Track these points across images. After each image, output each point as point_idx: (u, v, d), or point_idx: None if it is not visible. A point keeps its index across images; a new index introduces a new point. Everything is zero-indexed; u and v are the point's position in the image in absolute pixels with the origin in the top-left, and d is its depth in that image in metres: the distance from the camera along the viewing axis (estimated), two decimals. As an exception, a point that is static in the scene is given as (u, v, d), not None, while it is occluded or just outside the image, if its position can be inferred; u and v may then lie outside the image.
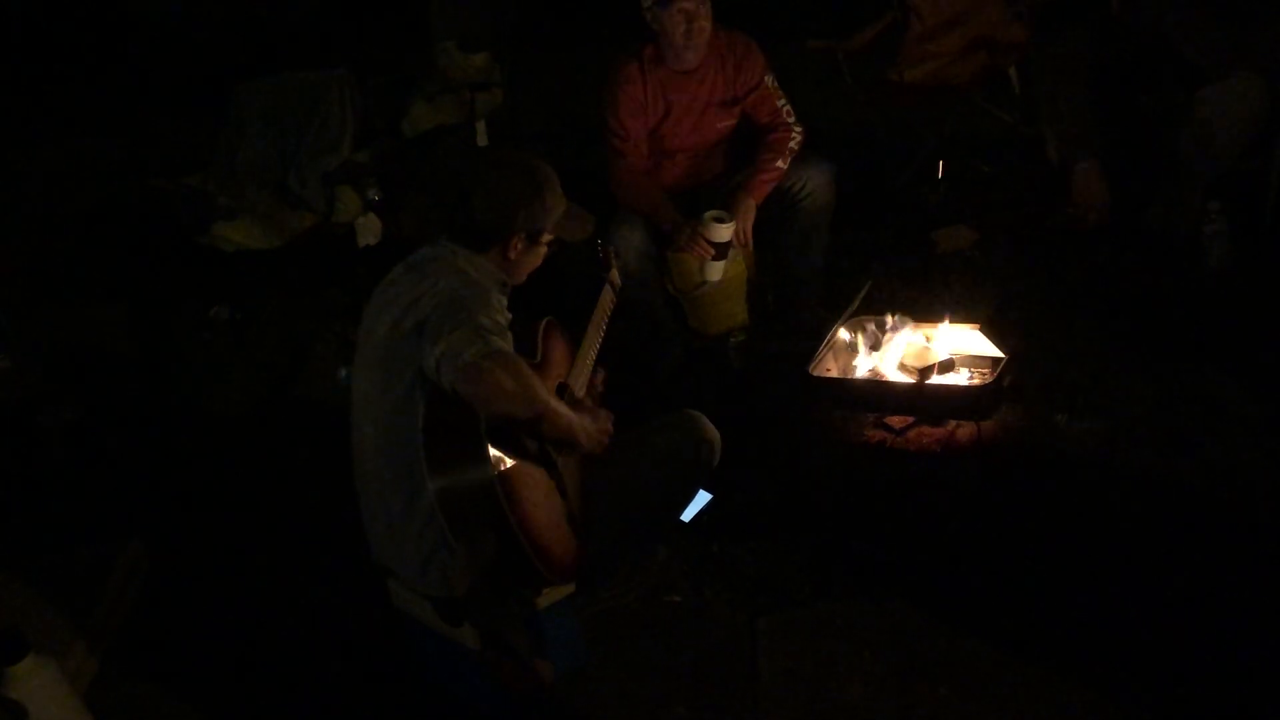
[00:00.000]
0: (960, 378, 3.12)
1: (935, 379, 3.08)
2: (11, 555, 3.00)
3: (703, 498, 2.85)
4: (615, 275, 2.78)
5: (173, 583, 2.96)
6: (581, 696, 2.40)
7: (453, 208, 2.28)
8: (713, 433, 2.52)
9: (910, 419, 3.07)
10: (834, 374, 3.19)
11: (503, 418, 2.06)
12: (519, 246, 2.30)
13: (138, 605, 2.89)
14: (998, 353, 3.11)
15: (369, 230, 4.40)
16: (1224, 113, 3.19)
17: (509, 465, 2.10)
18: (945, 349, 3.15)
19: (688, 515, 2.81)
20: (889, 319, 3.20)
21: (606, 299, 2.69)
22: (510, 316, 2.28)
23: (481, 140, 5.11)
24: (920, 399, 3.07)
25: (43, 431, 3.66)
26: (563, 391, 2.36)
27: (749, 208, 3.28)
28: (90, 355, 4.17)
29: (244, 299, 4.26)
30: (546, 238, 2.35)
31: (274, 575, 2.91)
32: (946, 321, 3.20)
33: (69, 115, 5.92)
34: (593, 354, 2.54)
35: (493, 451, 2.07)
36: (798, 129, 3.37)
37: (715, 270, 3.32)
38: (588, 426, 2.25)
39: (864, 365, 3.19)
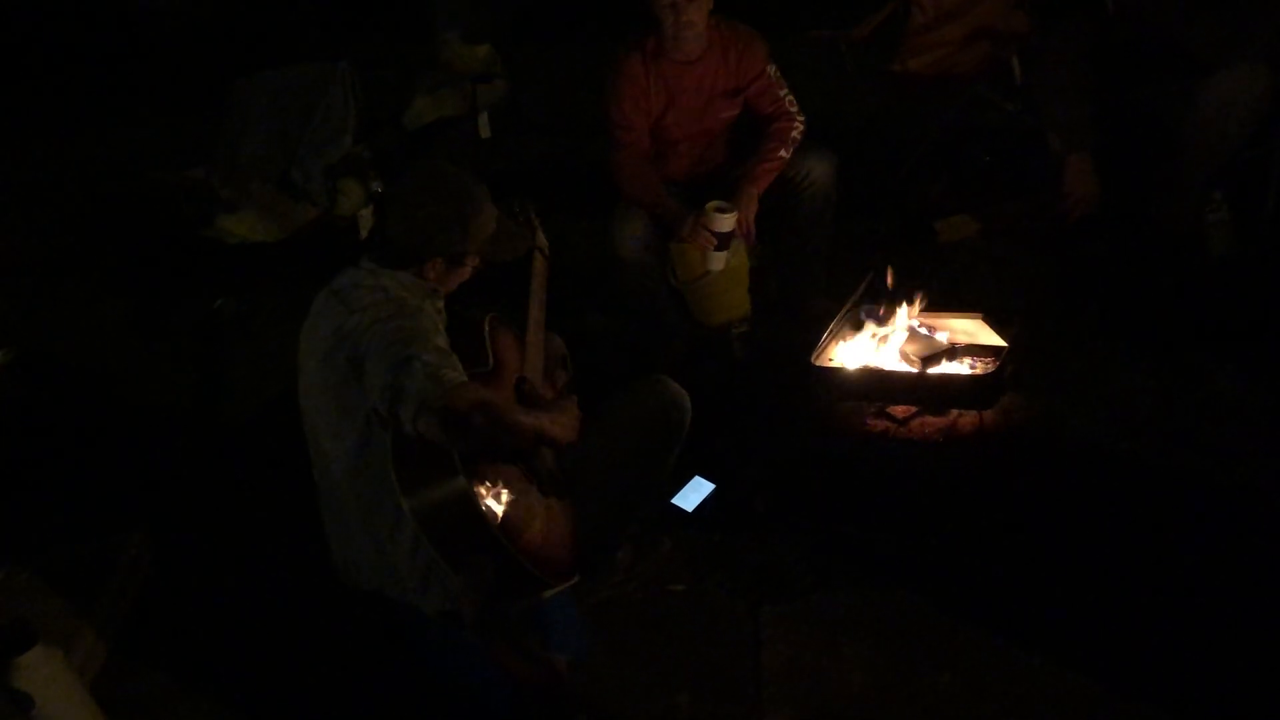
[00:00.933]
0: (962, 367, 3.12)
1: (938, 368, 3.08)
2: (18, 548, 3.01)
3: (705, 488, 2.86)
4: (542, 238, 2.68)
5: (177, 575, 2.97)
6: (583, 686, 2.41)
7: (375, 224, 2.24)
8: (679, 392, 2.50)
9: (913, 408, 3.07)
10: (836, 364, 3.19)
11: (474, 446, 2.02)
12: (437, 268, 2.25)
13: (143, 597, 2.90)
14: (1000, 342, 3.11)
15: (371, 222, 4.40)
16: (1227, 102, 3.18)
17: (482, 472, 2.06)
18: (947, 338, 3.15)
19: (691, 506, 2.82)
20: (892, 309, 3.20)
21: (539, 267, 2.61)
22: (447, 319, 2.26)
23: (484, 132, 5.12)
24: (923, 388, 3.07)
25: (47, 426, 3.67)
26: (522, 385, 2.32)
27: (751, 198, 3.28)
28: (94, 348, 4.18)
29: (248, 292, 4.27)
30: (471, 260, 2.30)
31: (278, 567, 2.92)
32: (949, 311, 3.20)
33: (71, 110, 5.92)
34: (540, 331, 2.49)
35: (476, 485, 2.03)
36: (800, 119, 3.36)
37: (717, 260, 3.31)
38: (559, 421, 2.19)
39: (866, 355, 3.19)
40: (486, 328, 2.34)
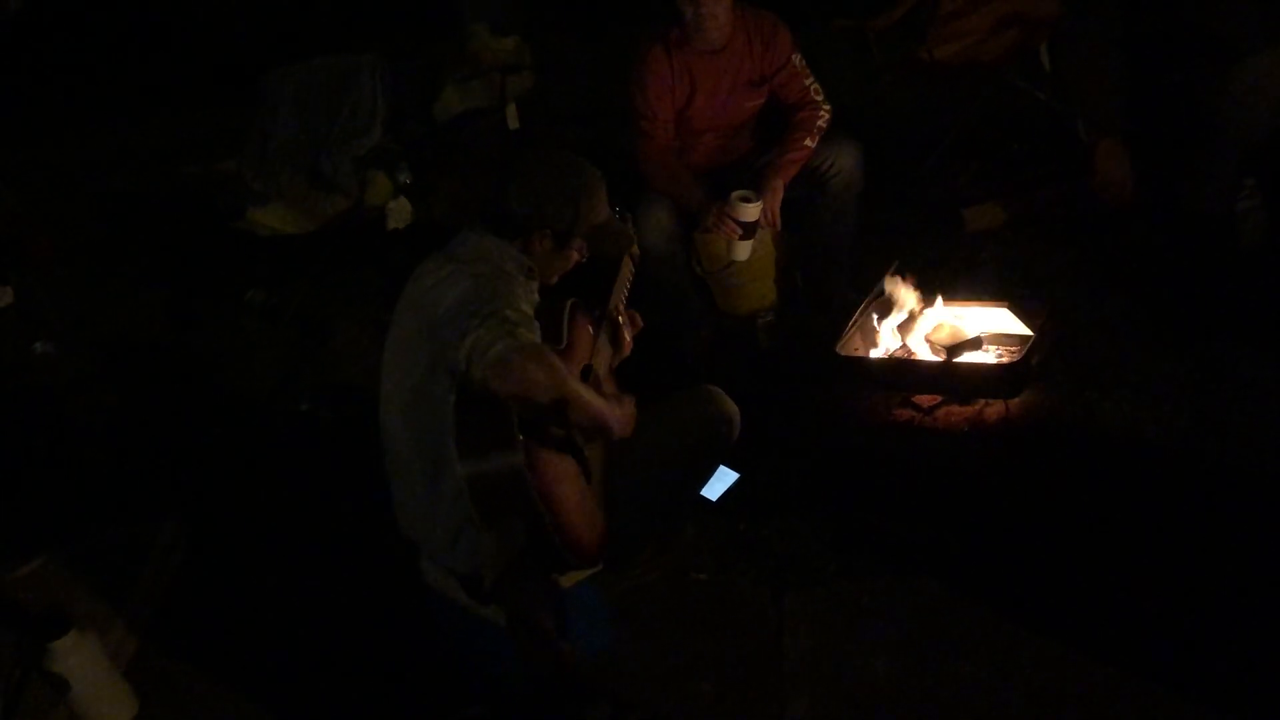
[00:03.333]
0: (988, 356, 3.11)
1: (963, 358, 3.07)
2: (53, 536, 3.07)
3: (730, 477, 2.86)
4: (634, 247, 2.73)
5: (209, 561, 3.01)
6: (607, 673, 2.43)
7: (489, 191, 2.29)
8: (731, 407, 2.52)
9: (938, 398, 3.06)
10: (861, 353, 3.19)
11: (534, 409, 2.05)
12: (544, 244, 2.29)
13: (177, 583, 2.95)
14: (1026, 331, 3.09)
15: (400, 214, 4.43)
16: (1260, 88, 3.13)
17: (538, 453, 2.11)
18: (974, 327, 3.13)
19: (715, 494, 2.83)
20: (917, 298, 3.19)
21: (626, 271, 2.66)
22: (538, 300, 2.30)
23: (512, 123, 5.11)
24: (948, 378, 3.06)
25: (82, 415, 3.73)
26: (587, 374, 2.37)
27: (776, 188, 3.27)
28: (129, 340, 4.24)
29: (279, 283, 4.31)
30: (576, 243, 2.34)
31: (307, 554, 2.96)
32: (975, 300, 3.18)
33: (104, 104, 6.00)
34: (607, 358, 2.53)
35: (522, 440, 2.08)
36: (826, 108, 3.35)
37: (742, 250, 3.31)
38: (616, 412, 2.24)
39: (892, 344, 3.19)
40: (566, 311, 2.38)
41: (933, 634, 2.38)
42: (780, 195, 3.28)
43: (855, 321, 3.21)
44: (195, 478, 3.36)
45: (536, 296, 2.30)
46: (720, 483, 2.84)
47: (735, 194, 3.22)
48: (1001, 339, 3.13)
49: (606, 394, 2.34)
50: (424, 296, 2.19)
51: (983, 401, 3.01)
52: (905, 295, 3.20)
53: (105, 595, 2.81)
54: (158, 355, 4.11)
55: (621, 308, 2.61)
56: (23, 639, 2.48)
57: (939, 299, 3.20)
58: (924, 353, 3.14)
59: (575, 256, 2.37)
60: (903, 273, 3.26)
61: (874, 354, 3.18)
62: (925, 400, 3.06)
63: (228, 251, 4.49)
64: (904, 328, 3.17)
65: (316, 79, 4.73)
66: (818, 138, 3.32)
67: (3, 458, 3.58)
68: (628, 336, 2.60)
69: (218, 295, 4.34)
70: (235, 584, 2.92)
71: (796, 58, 3.35)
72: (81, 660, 2.45)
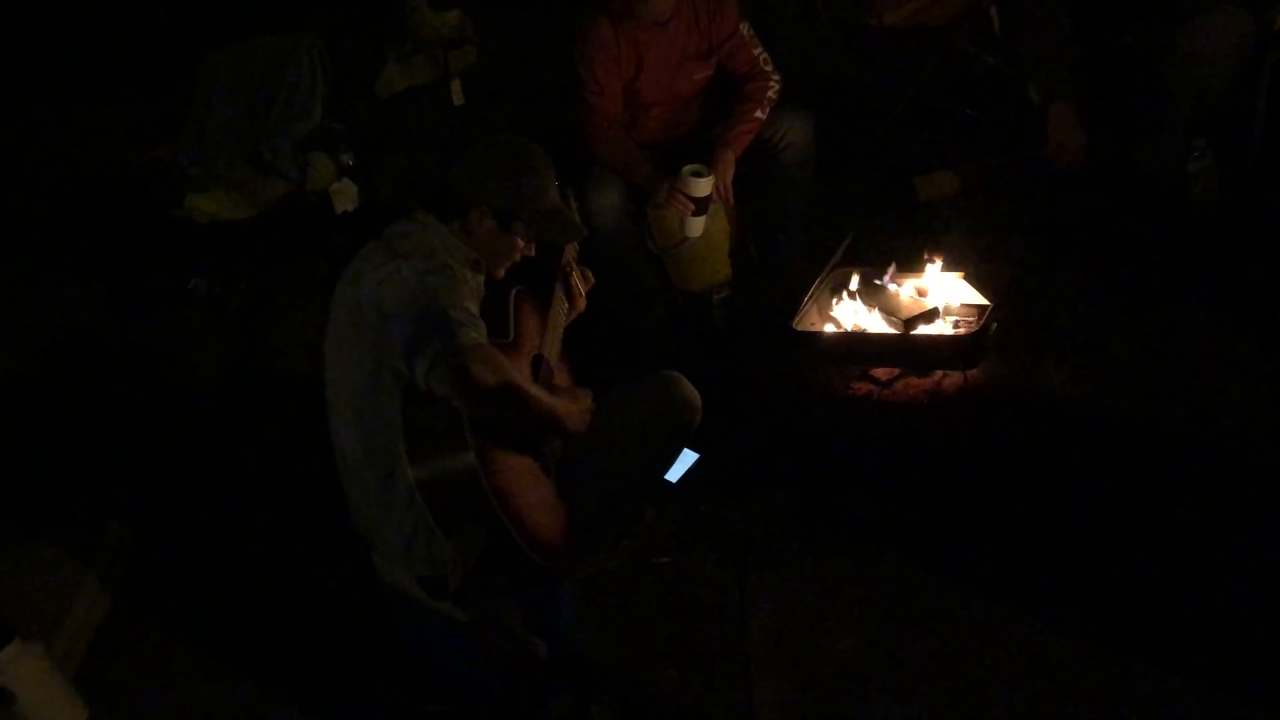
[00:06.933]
0: (945, 327, 3.09)
1: (920, 329, 3.05)
2: (-5, 540, 2.97)
3: (689, 458, 2.83)
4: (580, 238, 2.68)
5: (157, 563, 2.93)
6: (571, 663, 2.39)
7: (432, 169, 2.24)
8: (693, 394, 2.48)
9: (896, 370, 3.04)
10: (818, 328, 3.16)
11: (485, 411, 2.01)
12: (485, 224, 2.23)
13: (123, 587, 2.87)
14: (983, 300, 3.08)
15: (345, 197, 4.32)
16: (1208, 48, 3.13)
17: (493, 452, 2.05)
18: (929, 298, 3.11)
19: (674, 476, 2.79)
20: (872, 270, 3.16)
21: (569, 252, 2.61)
22: (484, 294, 2.23)
23: (457, 99, 5.03)
24: (906, 350, 3.05)
25: (19, 415, 3.62)
26: (539, 364, 2.32)
27: (728, 161, 3.22)
28: (68, 334, 4.11)
29: (221, 271, 4.20)
30: (518, 226, 2.27)
31: (258, 551, 2.89)
32: (930, 270, 3.16)
33: (33, 93, 5.83)
34: (561, 317, 2.49)
35: (475, 439, 2.02)
36: (775, 78, 3.30)
37: (695, 226, 3.27)
38: (571, 409, 2.20)
39: (848, 318, 3.16)
40: (512, 301, 2.33)
41: (898, 610, 2.38)
42: (732, 169, 3.23)
43: (811, 296, 3.17)
44: (140, 477, 3.27)
45: (483, 290, 2.25)
46: (680, 464, 2.80)
47: (686, 169, 3.16)
48: (958, 309, 3.11)
49: (560, 388, 2.30)
50: (363, 296, 2.12)
51: (941, 373, 3.00)
52: (859, 270, 3.17)
53: (50, 602, 2.72)
54: (97, 350, 3.99)
55: (574, 260, 2.57)
56: (-37, 652, 2.39)
57: (893, 270, 3.17)
58: (881, 326, 3.11)
59: (521, 245, 2.31)
60: (857, 245, 3.23)
61: (830, 328, 3.15)
62: (883, 373, 3.05)
63: (167, 240, 4.36)
64: (860, 301, 3.14)
65: (254, 60, 4.60)
66: (768, 109, 3.26)
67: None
68: (581, 289, 2.56)
69: (158, 286, 4.21)
70: (185, 586, 2.85)
71: (744, 27, 3.29)
72: (27, 671, 2.37)
